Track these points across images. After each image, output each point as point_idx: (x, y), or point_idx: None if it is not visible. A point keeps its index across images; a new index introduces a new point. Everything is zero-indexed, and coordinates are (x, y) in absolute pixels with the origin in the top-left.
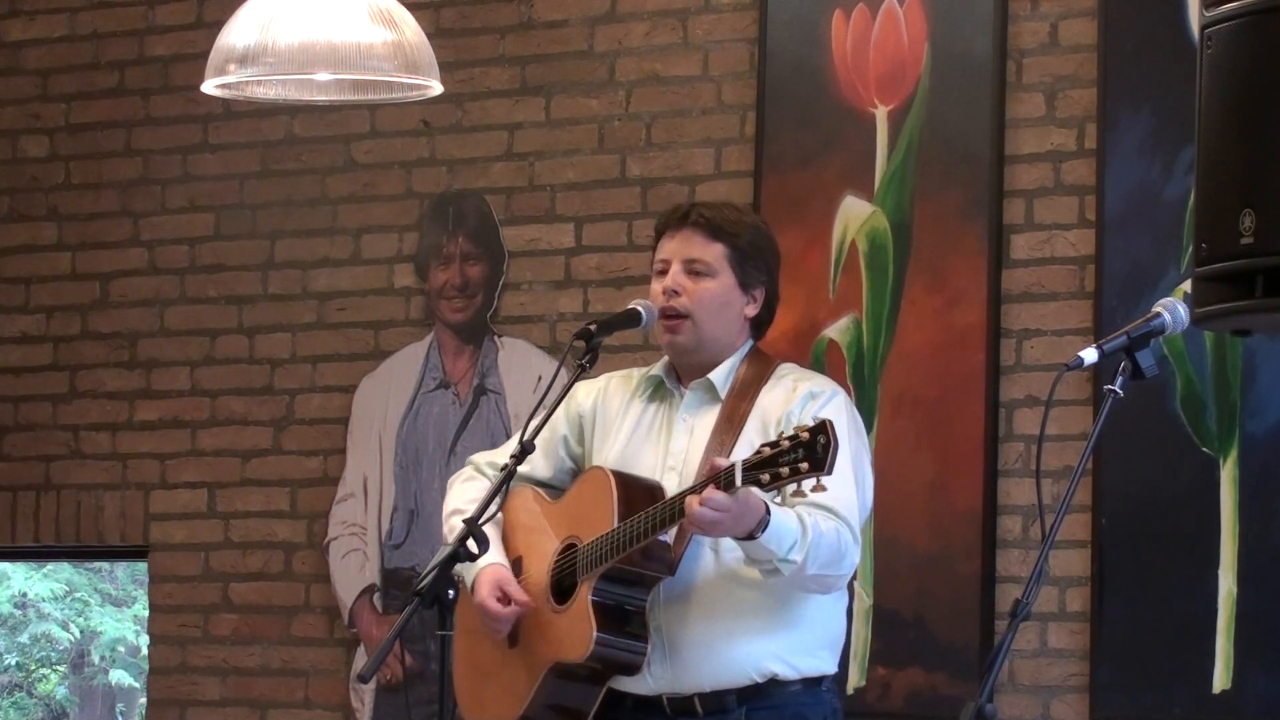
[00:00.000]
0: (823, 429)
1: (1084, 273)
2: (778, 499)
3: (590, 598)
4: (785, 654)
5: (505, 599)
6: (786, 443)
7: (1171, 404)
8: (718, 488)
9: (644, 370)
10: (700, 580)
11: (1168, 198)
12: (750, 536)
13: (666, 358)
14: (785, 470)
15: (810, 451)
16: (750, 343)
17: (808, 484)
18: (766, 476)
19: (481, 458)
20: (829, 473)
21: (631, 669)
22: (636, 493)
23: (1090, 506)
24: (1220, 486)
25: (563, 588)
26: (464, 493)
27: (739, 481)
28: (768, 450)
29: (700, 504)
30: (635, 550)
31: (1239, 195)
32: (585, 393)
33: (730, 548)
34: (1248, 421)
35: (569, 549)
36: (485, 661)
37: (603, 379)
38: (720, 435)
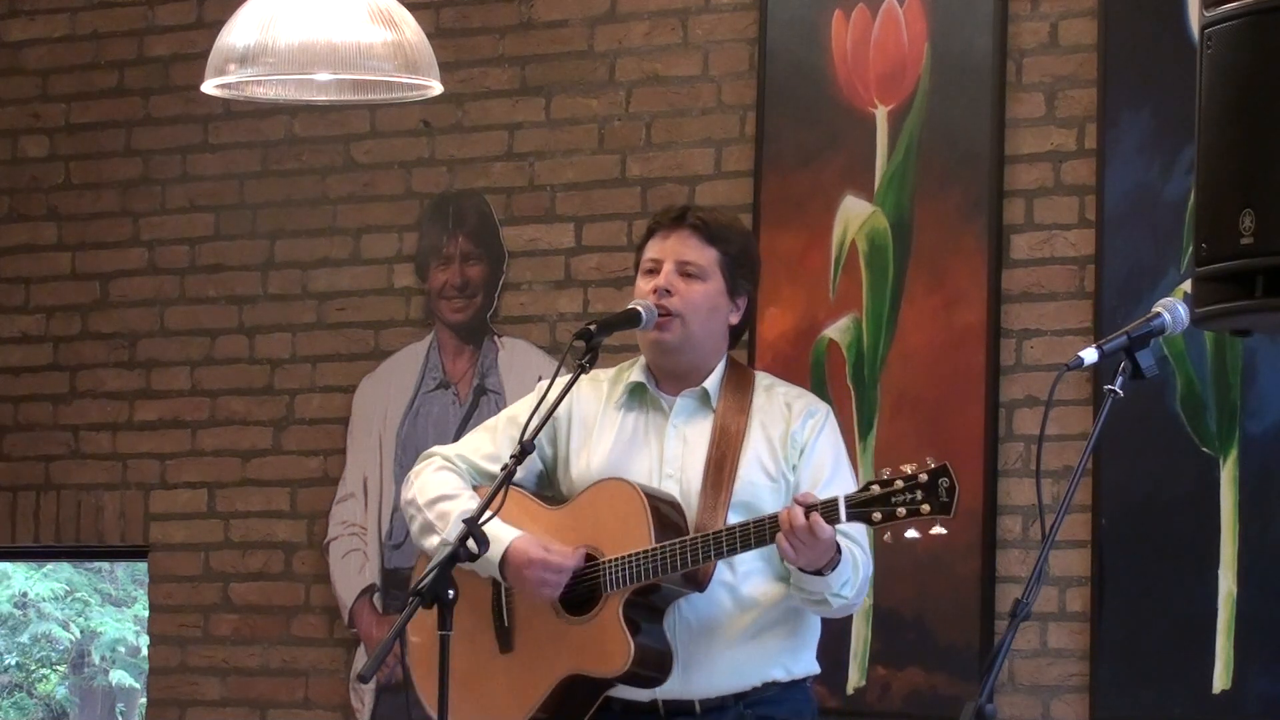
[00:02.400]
0: (944, 472)
1: (1084, 273)
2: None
3: (622, 613)
4: (786, 661)
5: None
6: (901, 483)
7: (1171, 404)
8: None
9: (612, 373)
10: (718, 597)
11: (1168, 198)
12: (818, 572)
13: (641, 361)
14: (903, 511)
15: (931, 493)
16: (727, 354)
17: (931, 527)
18: (879, 515)
19: (449, 449)
20: (953, 516)
21: (655, 684)
22: (666, 511)
23: (1090, 506)
24: (1220, 486)
25: (573, 598)
26: (445, 480)
27: (843, 517)
28: (878, 489)
29: (789, 538)
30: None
31: (1239, 195)
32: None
33: (742, 561)
34: (1248, 421)
35: (586, 560)
36: (470, 669)
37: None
38: (720, 447)
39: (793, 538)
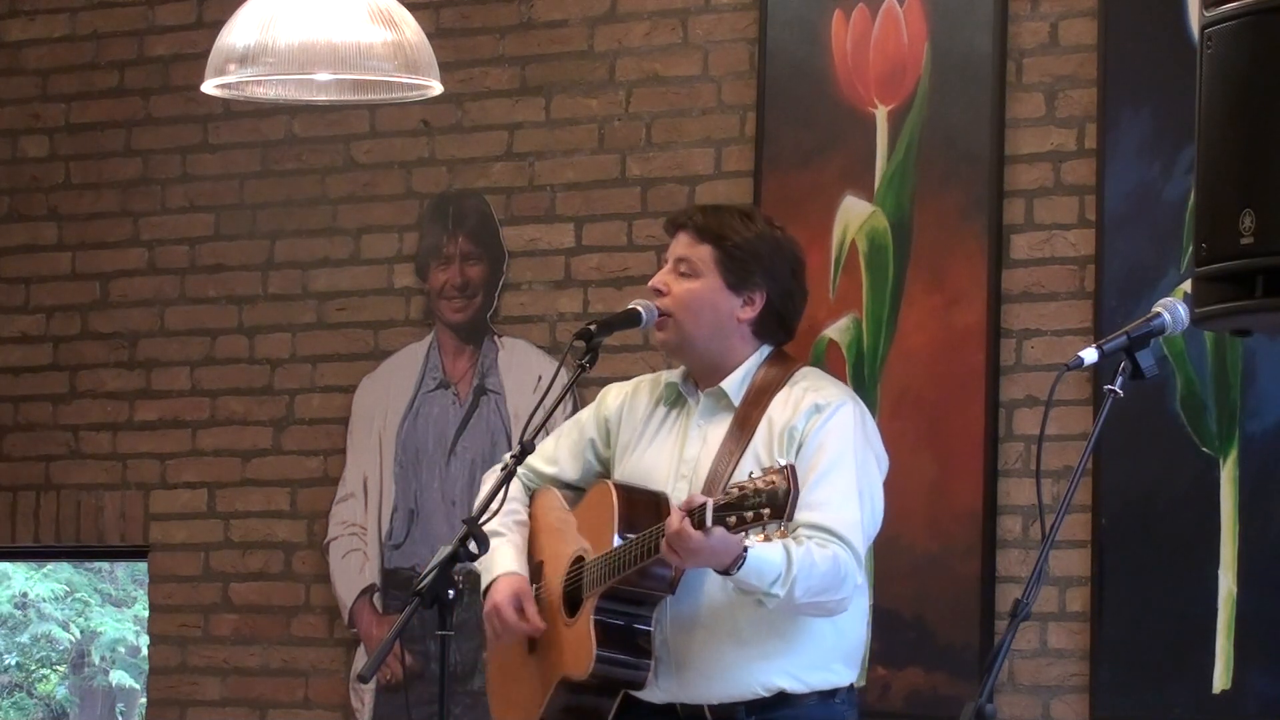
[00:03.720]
0: (786, 476)
1: (1084, 273)
2: (758, 537)
3: (592, 616)
4: (793, 670)
5: (521, 613)
6: (751, 486)
7: (1171, 404)
8: (692, 524)
9: (669, 374)
10: (707, 598)
11: (1168, 198)
12: (727, 572)
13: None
14: (749, 515)
15: (773, 499)
16: (768, 348)
17: (772, 527)
18: (734, 519)
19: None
20: (789, 520)
21: (634, 685)
22: (639, 508)
23: (1090, 506)
24: (1220, 486)
25: (574, 600)
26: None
27: (709, 521)
28: (736, 492)
29: (668, 544)
30: (633, 571)
31: (1239, 195)
32: (614, 397)
33: None
34: (1248, 421)
35: (579, 561)
36: (511, 664)
37: (632, 383)
38: (730, 443)
39: (667, 539)
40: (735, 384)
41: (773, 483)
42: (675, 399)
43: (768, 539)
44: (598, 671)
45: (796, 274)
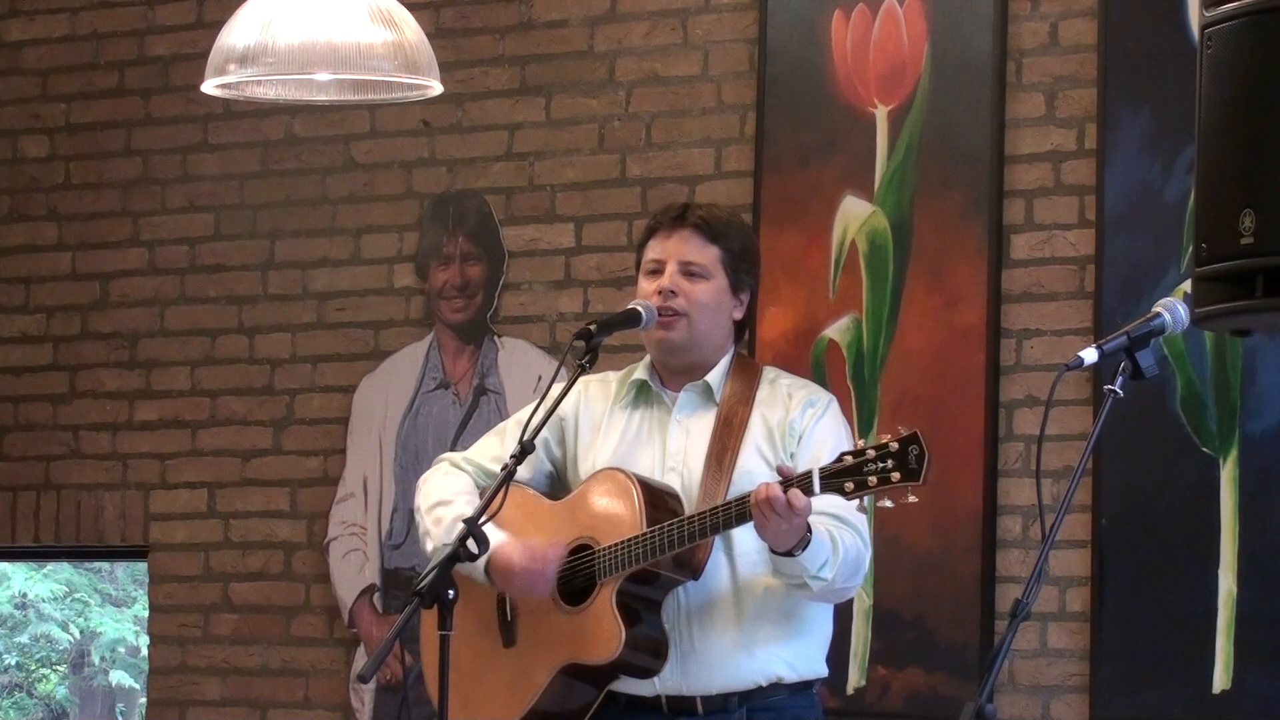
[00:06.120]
0: (915, 439)
1: (1084, 273)
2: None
3: (614, 600)
4: (791, 659)
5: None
6: (873, 452)
7: (1171, 404)
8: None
9: (621, 373)
10: (717, 587)
11: (1168, 198)
12: (789, 553)
13: (647, 359)
14: (873, 480)
15: (901, 462)
16: (733, 347)
17: (903, 495)
18: (850, 485)
19: (458, 455)
20: (923, 483)
21: (650, 673)
22: (658, 497)
23: (1090, 506)
24: (1220, 486)
25: (571, 589)
26: (447, 484)
27: (817, 489)
28: (850, 459)
29: (769, 508)
30: (669, 555)
31: (1239, 195)
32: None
33: (743, 554)
34: (1248, 421)
35: (580, 550)
36: (474, 662)
37: (580, 382)
38: (721, 438)
39: (767, 508)
40: (718, 380)
41: (898, 447)
42: (641, 396)
43: (890, 503)
44: (623, 656)
45: (759, 274)
